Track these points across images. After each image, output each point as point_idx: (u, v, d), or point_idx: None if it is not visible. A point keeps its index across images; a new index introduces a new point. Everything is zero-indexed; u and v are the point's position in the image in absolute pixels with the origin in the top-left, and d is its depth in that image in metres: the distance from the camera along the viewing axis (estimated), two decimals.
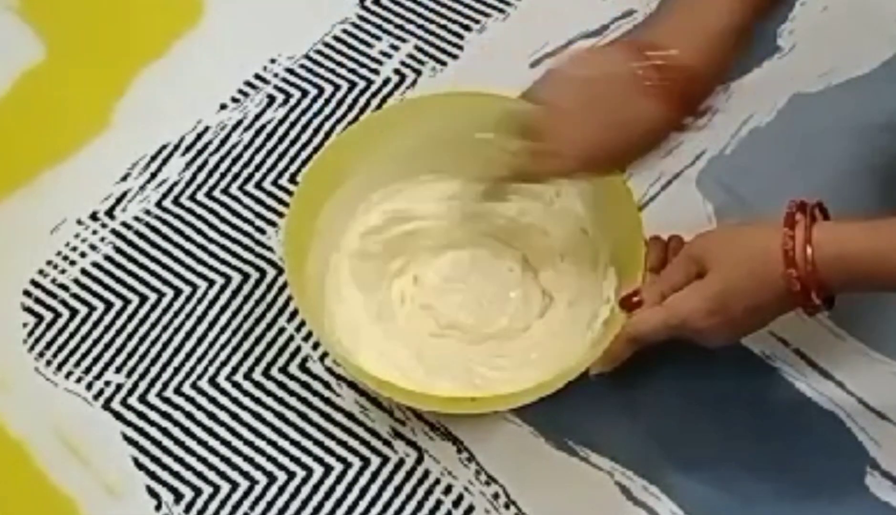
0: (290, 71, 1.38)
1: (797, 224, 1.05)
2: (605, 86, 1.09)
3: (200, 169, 1.32)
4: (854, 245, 1.04)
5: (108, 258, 1.28)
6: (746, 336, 1.13)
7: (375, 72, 1.37)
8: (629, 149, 1.12)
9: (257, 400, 1.20)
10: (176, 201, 1.30)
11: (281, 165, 1.32)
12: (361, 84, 1.37)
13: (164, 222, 1.29)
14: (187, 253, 1.28)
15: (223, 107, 1.36)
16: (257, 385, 1.21)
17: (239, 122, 1.35)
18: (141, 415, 1.20)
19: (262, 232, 1.28)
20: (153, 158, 1.33)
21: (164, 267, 1.27)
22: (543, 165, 1.12)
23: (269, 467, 1.17)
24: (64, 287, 1.26)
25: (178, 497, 1.16)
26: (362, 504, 1.15)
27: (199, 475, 1.17)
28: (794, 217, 1.05)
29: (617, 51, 1.12)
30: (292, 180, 1.30)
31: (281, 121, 1.35)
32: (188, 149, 1.33)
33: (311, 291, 1.17)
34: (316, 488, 1.16)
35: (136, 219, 1.30)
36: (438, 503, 1.15)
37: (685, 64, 1.07)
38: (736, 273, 1.07)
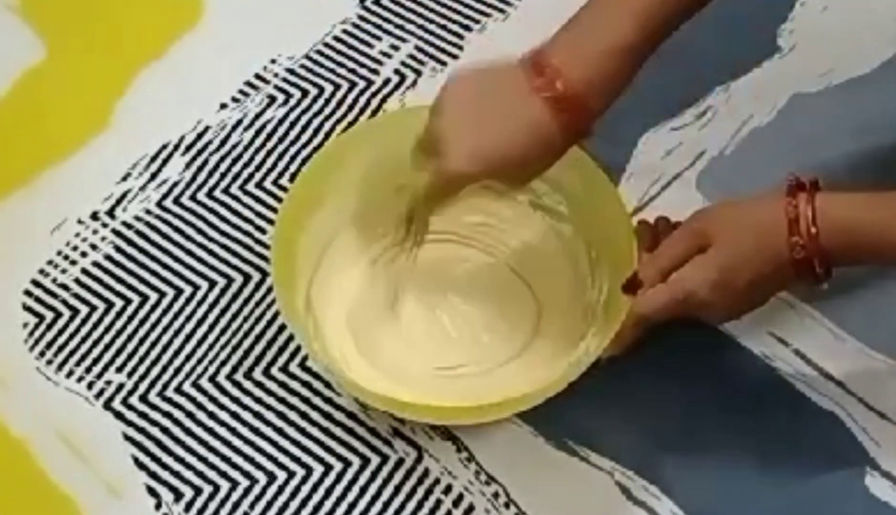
0: (291, 71, 1.38)
1: (799, 193, 1.06)
2: (500, 91, 1.10)
3: (201, 169, 1.32)
4: (855, 212, 1.05)
5: (108, 258, 1.28)
6: (747, 312, 1.13)
7: (375, 72, 1.37)
8: (525, 155, 1.10)
9: (257, 399, 1.20)
10: (176, 201, 1.30)
11: (281, 165, 1.32)
12: (361, 84, 1.37)
13: (165, 222, 1.29)
14: (188, 252, 1.28)
15: (223, 106, 1.36)
16: (258, 384, 1.21)
17: (239, 122, 1.35)
18: (142, 415, 1.20)
19: (263, 231, 1.28)
20: (153, 158, 1.33)
21: (165, 266, 1.27)
22: (439, 178, 1.11)
23: (269, 466, 1.17)
24: (65, 286, 1.26)
25: (178, 496, 1.16)
26: (362, 504, 1.15)
27: (199, 474, 1.17)
28: (795, 187, 1.06)
29: (517, 62, 1.11)
30: (293, 180, 1.30)
31: (281, 121, 1.35)
32: (188, 148, 1.33)
33: (305, 321, 1.18)
34: (316, 487, 1.16)
35: (137, 218, 1.30)
36: (438, 502, 1.15)
37: (574, 89, 1.08)
38: (740, 243, 1.07)
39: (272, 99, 1.36)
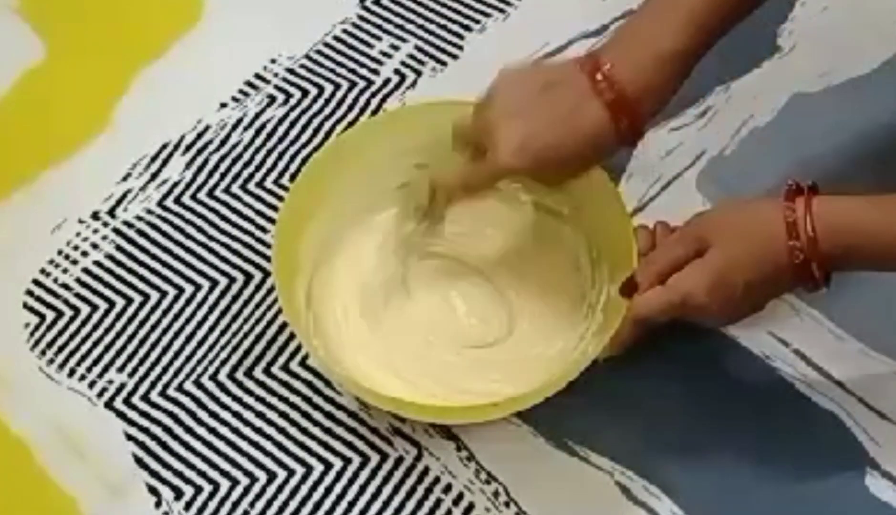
0: (291, 71, 1.38)
1: (797, 197, 1.06)
2: (555, 90, 1.10)
3: (201, 168, 1.32)
4: (854, 216, 1.05)
5: (110, 257, 1.28)
6: (744, 318, 1.13)
7: (375, 72, 1.37)
8: (575, 155, 1.11)
9: (258, 398, 1.20)
10: (177, 200, 1.30)
11: (281, 165, 1.32)
12: (361, 84, 1.37)
13: (166, 221, 1.29)
14: (189, 252, 1.28)
15: (223, 106, 1.36)
16: (258, 382, 1.21)
17: (239, 121, 1.35)
18: (143, 414, 1.20)
19: (264, 230, 1.28)
20: (154, 158, 1.33)
21: (167, 266, 1.27)
22: (484, 167, 1.12)
23: (269, 464, 1.17)
24: (66, 286, 1.26)
25: (179, 494, 1.16)
26: (361, 502, 1.15)
27: (200, 472, 1.17)
28: (794, 192, 1.06)
29: (571, 63, 1.12)
30: (293, 179, 1.30)
31: (281, 121, 1.35)
32: (188, 148, 1.34)
33: (305, 319, 1.18)
34: (316, 485, 1.16)
35: (138, 218, 1.30)
36: (438, 501, 1.15)
37: (634, 93, 1.08)
38: (738, 246, 1.07)
39: (272, 98, 1.36)
